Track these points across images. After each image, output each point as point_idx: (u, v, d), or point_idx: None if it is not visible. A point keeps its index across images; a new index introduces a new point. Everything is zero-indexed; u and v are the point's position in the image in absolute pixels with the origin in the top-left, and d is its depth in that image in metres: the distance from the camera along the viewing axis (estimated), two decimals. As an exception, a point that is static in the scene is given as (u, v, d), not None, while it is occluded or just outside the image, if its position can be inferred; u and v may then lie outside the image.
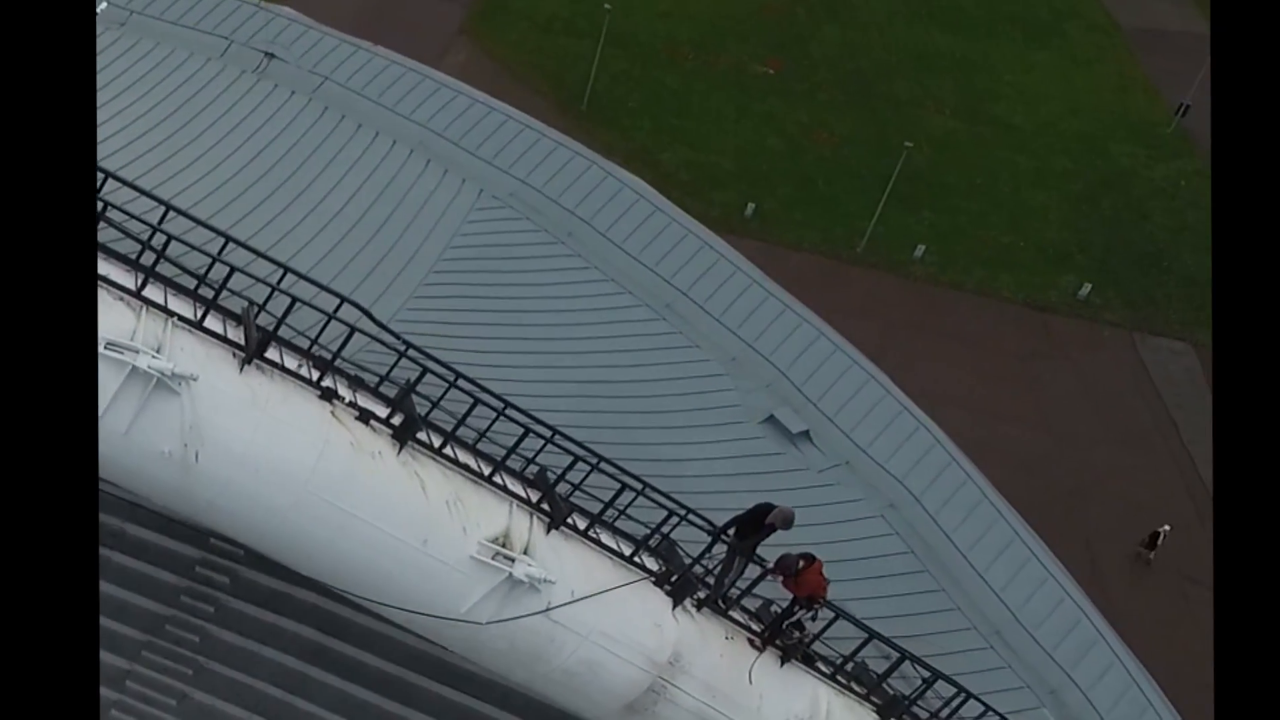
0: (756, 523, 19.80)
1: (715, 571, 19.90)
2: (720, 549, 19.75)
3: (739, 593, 20.04)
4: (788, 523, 19.50)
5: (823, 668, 20.81)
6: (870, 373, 30.61)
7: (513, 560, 17.57)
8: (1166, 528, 46.43)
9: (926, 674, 21.21)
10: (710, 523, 19.70)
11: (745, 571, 20.11)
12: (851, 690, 21.18)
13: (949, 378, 47.03)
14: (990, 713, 22.10)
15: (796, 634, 20.18)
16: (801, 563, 19.44)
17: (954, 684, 21.40)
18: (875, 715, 21.16)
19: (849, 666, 21.36)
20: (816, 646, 20.93)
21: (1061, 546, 30.61)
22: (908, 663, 21.28)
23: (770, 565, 19.80)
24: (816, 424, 29.70)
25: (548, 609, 17.90)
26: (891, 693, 21.49)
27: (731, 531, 19.80)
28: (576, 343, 30.15)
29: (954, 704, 21.68)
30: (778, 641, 20.23)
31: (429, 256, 31.29)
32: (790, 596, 19.83)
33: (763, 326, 31.15)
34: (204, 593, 25.83)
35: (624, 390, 29.34)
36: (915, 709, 21.72)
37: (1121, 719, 26.42)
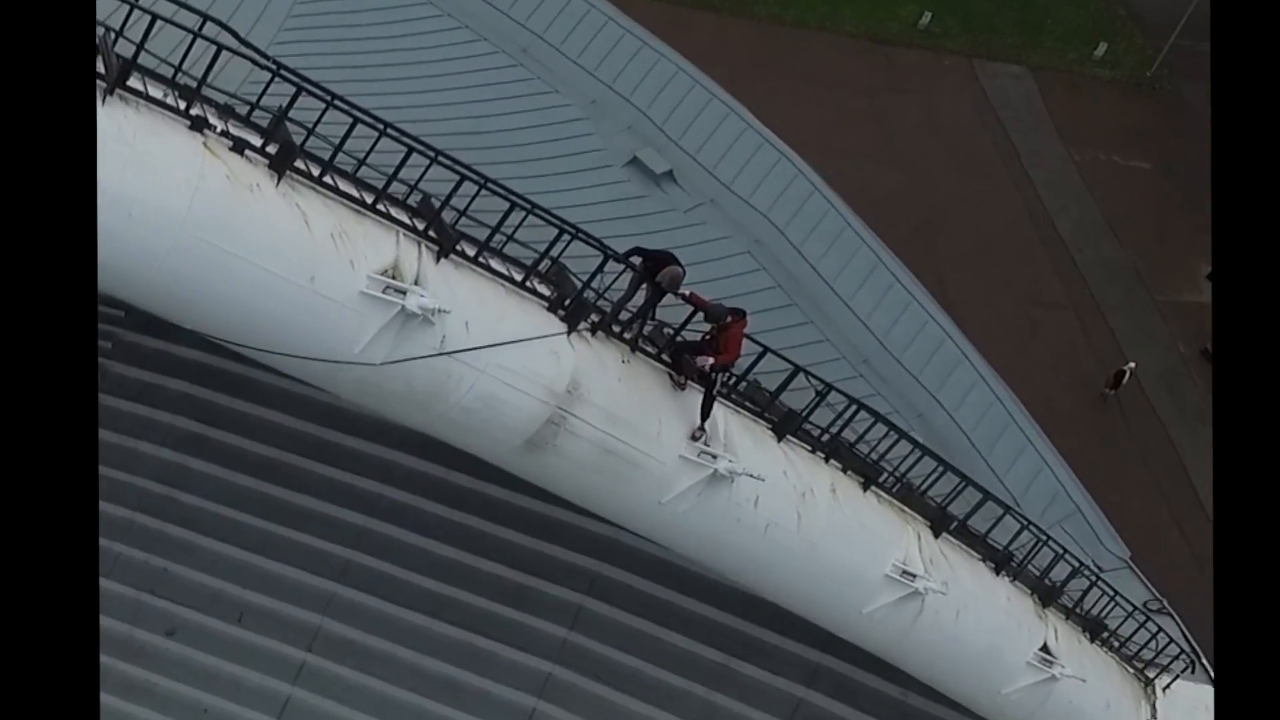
0: (656, 268, 19.39)
1: (619, 300, 19.59)
2: (614, 272, 19.39)
3: (632, 316, 19.75)
4: (674, 283, 19.12)
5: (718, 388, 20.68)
6: (730, 106, 30.09)
7: (404, 292, 16.91)
8: (1132, 364, 45.30)
9: (819, 385, 21.38)
10: (599, 241, 19.28)
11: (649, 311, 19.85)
12: (745, 409, 21.23)
13: (799, 119, 46.10)
14: (880, 422, 22.48)
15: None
16: (730, 317, 19.21)
17: (845, 395, 21.59)
18: (771, 432, 21.26)
19: (742, 386, 21.41)
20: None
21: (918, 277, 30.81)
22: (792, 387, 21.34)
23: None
24: (679, 163, 29.20)
25: (449, 351, 17.42)
26: (785, 409, 21.61)
27: (639, 261, 19.35)
28: (434, 95, 29.04)
29: (846, 415, 21.94)
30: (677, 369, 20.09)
31: (277, 15, 29.74)
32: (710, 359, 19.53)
33: (620, 66, 30.31)
34: (73, 389, 25.01)
35: (488, 141, 28.30)
36: (807, 425, 21.89)
37: (985, 437, 27.08)
